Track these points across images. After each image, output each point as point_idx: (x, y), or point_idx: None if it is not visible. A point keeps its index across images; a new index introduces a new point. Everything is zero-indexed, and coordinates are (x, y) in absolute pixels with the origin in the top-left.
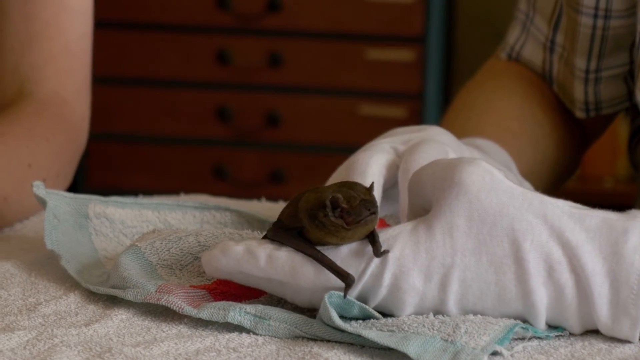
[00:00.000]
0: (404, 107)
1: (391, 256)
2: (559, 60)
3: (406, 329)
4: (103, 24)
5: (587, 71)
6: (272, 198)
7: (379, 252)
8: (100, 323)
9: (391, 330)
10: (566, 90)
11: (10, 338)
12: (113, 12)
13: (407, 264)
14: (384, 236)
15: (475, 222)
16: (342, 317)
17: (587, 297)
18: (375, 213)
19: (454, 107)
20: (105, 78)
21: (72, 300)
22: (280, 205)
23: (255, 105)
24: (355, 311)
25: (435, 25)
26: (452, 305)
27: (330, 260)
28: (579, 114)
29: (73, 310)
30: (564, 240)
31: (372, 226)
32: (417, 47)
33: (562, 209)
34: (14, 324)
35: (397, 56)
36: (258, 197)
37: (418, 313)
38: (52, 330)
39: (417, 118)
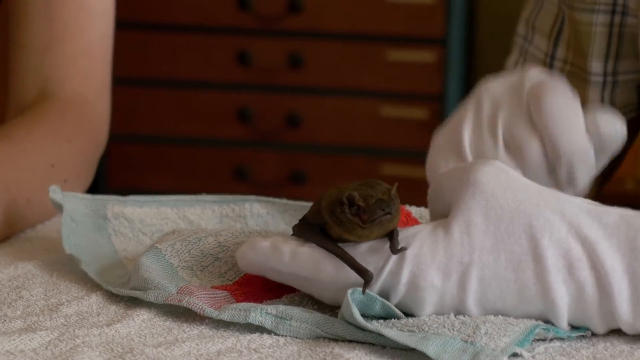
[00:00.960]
0: (424, 109)
1: (409, 253)
2: (560, 75)
3: (426, 329)
4: (124, 25)
5: (604, 74)
6: (293, 199)
7: (395, 249)
8: (121, 323)
9: (411, 331)
10: None
11: (33, 338)
12: (134, 13)
13: (424, 262)
14: (403, 234)
15: (493, 220)
16: (364, 315)
17: (607, 294)
18: (390, 213)
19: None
20: (126, 79)
21: (94, 301)
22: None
23: (275, 106)
24: (377, 308)
25: (457, 26)
26: (471, 303)
27: (350, 256)
28: None
29: (95, 311)
30: (583, 237)
31: (389, 226)
32: (438, 48)
33: (580, 206)
34: (36, 325)
35: (418, 57)
36: (279, 198)
37: (438, 312)
38: (74, 330)
39: (437, 119)
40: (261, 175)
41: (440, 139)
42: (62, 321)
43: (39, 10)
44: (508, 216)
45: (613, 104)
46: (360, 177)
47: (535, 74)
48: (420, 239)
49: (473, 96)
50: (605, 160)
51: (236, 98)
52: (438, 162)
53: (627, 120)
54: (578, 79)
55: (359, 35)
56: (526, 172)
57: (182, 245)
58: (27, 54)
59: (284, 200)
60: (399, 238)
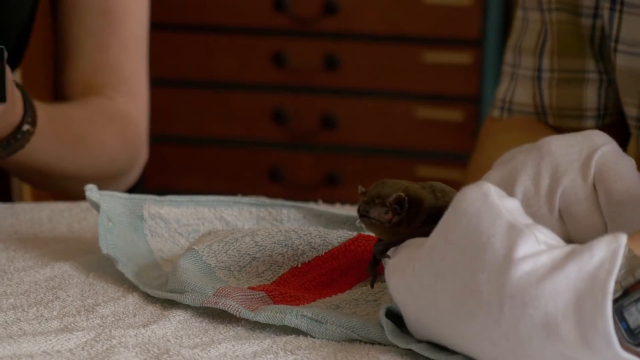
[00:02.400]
0: (460, 110)
1: (389, 262)
2: (548, 85)
3: None
4: (160, 26)
5: (599, 72)
6: (328, 201)
7: (380, 254)
8: (158, 324)
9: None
10: (568, 109)
11: (69, 339)
12: (170, 15)
13: (394, 274)
14: (407, 243)
15: (451, 246)
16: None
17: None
18: (364, 215)
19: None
20: (161, 80)
21: (130, 302)
22: (337, 208)
23: (311, 108)
24: None
25: (493, 27)
26: (414, 319)
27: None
28: (591, 123)
29: (131, 312)
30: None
31: (373, 227)
32: (475, 50)
33: (538, 240)
34: (73, 325)
35: (455, 59)
36: (314, 200)
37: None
38: (110, 331)
39: (474, 121)
40: (296, 177)
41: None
42: (99, 322)
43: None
44: (463, 244)
45: (607, 102)
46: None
47: (599, 144)
48: (404, 252)
49: (535, 150)
50: None
51: (271, 99)
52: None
53: (615, 122)
54: (571, 83)
55: (395, 36)
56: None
57: (219, 246)
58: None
59: (322, 208)
60: (403, 245)
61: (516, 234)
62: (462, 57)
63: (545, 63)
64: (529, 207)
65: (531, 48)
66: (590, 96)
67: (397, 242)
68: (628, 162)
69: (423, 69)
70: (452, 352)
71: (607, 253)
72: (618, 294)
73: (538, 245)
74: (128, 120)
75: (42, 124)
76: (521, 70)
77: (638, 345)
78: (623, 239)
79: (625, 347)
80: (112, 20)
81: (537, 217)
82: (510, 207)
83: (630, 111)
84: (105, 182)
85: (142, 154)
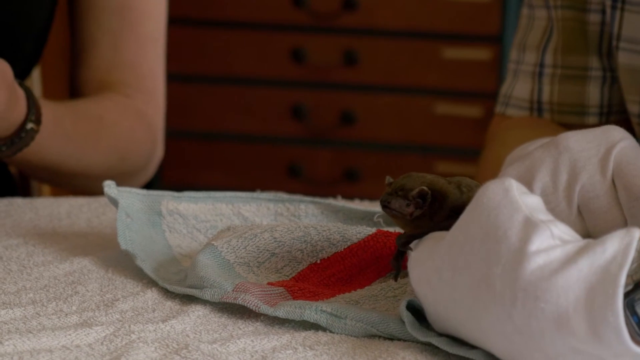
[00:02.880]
0: (479, 107)
1: (411, 255)
2: (550, 81)
3: None
4: (180, 22)
5: (603, 69)
6: (347, 196)
7: (402, 246)
8: (177, 319)
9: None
10: (570, 105)
11: (88, 333)
12: (190, 10)
13: (415, 267)
14: (429, 236)
15: (469, 239)
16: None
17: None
18: (385, 206)
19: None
20: (181, 75)
21: (150, 297)
22: (355, 203)
23: (330, 104)
24: None
25: (512, 24)
26: (434, 313)
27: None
28: (593, 120)
29: (150, 307)
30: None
31: (395, 218)
32: (494, 46)
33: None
34: (92, 320)
35: (474, 55)
36: (333, 196)
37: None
38: (130, 326)
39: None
40: (315, 173)
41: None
42: (118, 317)
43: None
44: (481, 237)
45: (611, 100)
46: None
47: (618, 139)
48: (424, 244)
49: (553, 146)
50: None
51: (290, 95)
52: (388, 180)
53: (622, 120)
54: (574, 80)
55: (414, 32)
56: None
57: (238, 241)
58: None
59: (340, 203)
60: (425, 238)
61: (531, 228)
62: (481, 53)
63: (548, 59)
64: (547, 204)
65: (535, 44)
66: (593, 93)
67: (419, 235)
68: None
69: (442, 65)
70: (472, 347)
71: (619, 247)
72: (629, 288)
73: (553, 240)
74: (142, 117)
75: (48, 121)
76: (524, 66)
77: None
78: (636, 233)
79: (636, 341)
80: (128, 19)
81: (556, 214)
82: (530, 202)
83: (632, 108)
84: (117, 179)
85: (156, 152)
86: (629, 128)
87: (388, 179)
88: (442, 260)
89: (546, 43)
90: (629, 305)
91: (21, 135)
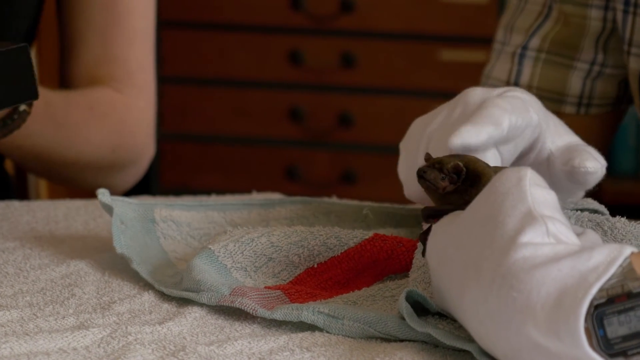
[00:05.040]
0: None
1: (432, 228)
2: (533, 64)
3: None
4: (177, 24)
5: (592, 63)
6: (344, 198)
7: (425, 218)
8: (174, 321)
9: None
10: (548, 91)
11: (85, 335)
12: (187, 13)
13: (431, 240)
14: (453, 214)
15: (475, 220)
16: (425, 310)
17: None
18: (421, 177)
19: None
20: (179, 78)
21: (146, 299)
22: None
23: (327, 106)
24: (434, 307)
25: None
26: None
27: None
28: (570, 109)
29: (147, 309)
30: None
31: (429, 191)
32: (491, 48)
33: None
34: (89, 322)
35: (471, 57)
36: (328, 197)
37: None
38: (126, 328)
39: None
40: (312, 175)
41: (414, 125)
42: (115, 319)
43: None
44: (483, 222)
45: (593, 92)
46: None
47: (515, 91)
48: (444, 220)
49: (454, 99)
50: (575, 193)
51: (288, 97)
52: (401, 149)
53: (603, 113)
54: (557, 67)
55: (411, 34)
56: None
57: (235, 246)
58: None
59: (332, 200)
60: (449, 215)
61: (528, 220)
62: (478, 56)
63: (534, 42)
64: (433, 150)
65: (524, 28)
66: (575, 82)
67: (445, 211)
68: (519, 101)
69: (439, 67)
70: (469, 340)
71: (605, 259)
72: (602, 301)
73: (547, 237)
74: (132, 111)
75: (39, 105)
76: (508, 47)
77: (612, 356)
78: (627, 250)
79: (597, 352)
80: (116, 14)
81: (438, 153)
82: (538, 195)
83: None
84: (108, 171)
85: (147, 147)
86: (612, 122)
87: (427, 154)
88: (451, 237)
89: (537, 28)
90: (597, 318)
91: (13, 117)
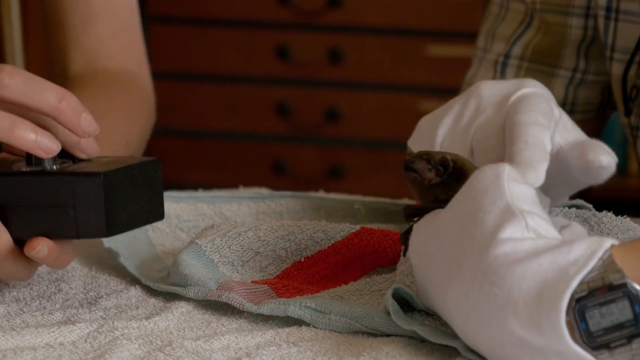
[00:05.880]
0: None
1: (414, 226)
2: (515, 73)
3: None
4: (165, 19)
5: (574, 70)
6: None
7: (407, 218)
8: (160, 316)
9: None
10: None
11: (72, 330)
12: (174, 8)
13: (413, 238)
14: (434, 212)
15: (454, 218)
16: (411, 307)
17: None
18: (408, 168)
19: None
20: (166, 73)
21: (133, 294)
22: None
23: (314, 101)
24: (420, 305)
25: None
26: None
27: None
28: None
29: (134, 304)
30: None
31: (414, 184)
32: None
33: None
34: (75, 317)
35: (459, 52)
36: (316, 191)
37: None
38: (113, 323)
39: None
40: (300, 170)
41: (422, 125)
42: (101, 314)
43: None
44: (461, 220)
45: (576, 99)
46: (400, 173)
47: (526, 86)
48: (426, 217)
49: (466, 93)
50: (585, 186)
51: (275, 93)
52: (410, 148)
53: (586, 120)
54: (540, 75)
55: (399, 30)
56: None
57: (222, 240)
58: (65, 30)
59: (321, 195)
60: (430, 212)
61: (508, 216)
62: (466, 51)
63: (516, 51)
64: (447, 147)
65: (506, 36)
66: (558, 90)
67: (426, 209)
68: (545, 102)
69: (427, 63)
70: (455, 337)
71: (585, 252)
72: (583, 294)
73: (527, 232)
74: (142, 94)
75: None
76: (490, 55)
77: (594, 349)
78: (607, 243)
79: (580, 345)
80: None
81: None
82: (516, 191)
83: (624, 119)
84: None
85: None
86: (595, 128)
87: (409, 149)
88: (432, 235)
89: (519, 36)
90: (579, 311)
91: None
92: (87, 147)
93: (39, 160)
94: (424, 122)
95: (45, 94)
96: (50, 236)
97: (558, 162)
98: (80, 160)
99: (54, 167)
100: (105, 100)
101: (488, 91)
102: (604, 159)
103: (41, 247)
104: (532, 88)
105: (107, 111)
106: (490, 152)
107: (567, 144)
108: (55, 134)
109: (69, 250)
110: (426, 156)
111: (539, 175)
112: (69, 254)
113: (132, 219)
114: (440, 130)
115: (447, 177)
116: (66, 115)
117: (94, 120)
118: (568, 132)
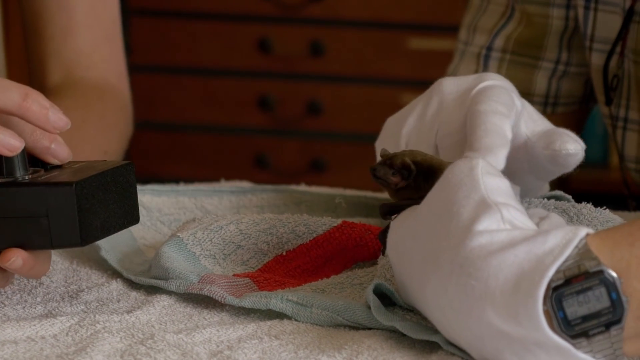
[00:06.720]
0: None
1: (391, 223)
2: (498, 65)
3: None
4: (145, 12)
5: (557, 62)
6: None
7: (383, 215)
8: (142, 310)
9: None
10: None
11: (53, 324)
12: (155, 1)
13: (391, 234)
14: (411, 208)
15: (430, 212)
16: (392, 303)
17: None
18: (372, 174)
19: None
20: (147, 66)
21: (114, 288)
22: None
23: (296, 94)
24: (401, 301)
25: None
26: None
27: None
28: (537, 109)
29: (115, 297)
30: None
31: (381, 187)
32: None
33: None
34: (57, 310)
35: (440, 45)
36: (297, 185)
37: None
38: (95, 316)
39: None
40: (282, 164)
41: (388, 124)
42: (83, 307)
43: (55, 0)
44: (437, 212)
45: (559, 92)
46: None
47: (490, 78)
48: (403, 214)
49: (428, 91)
50: (556, 175)
51: (257, 86)
52: (377, 147)
53: (570, 112)
54: (523, 67)
55: (380, 23)
56: None
57: (203, 233)
58: (45, 40)
59: (302, 188)
60: (407, 209)
61: (483, 208)
62: (447, 44)
63: (498, 43)
64: (414, 139)
65: (488, 28)
66: (540, 82)
67: (402, 206)
68: (505, 93)
69: (408, 55)
70: (435, 332)
71: (560, 241)
72: (560, 282)
73: (503, 224)
74: (119, 101)
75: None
76: (471, 47)
77: (573, 337)
78: (582, 232)
79: (558, 334)
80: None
81: (419, 148)
82: (491, 184)
83: (604, 109)
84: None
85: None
86: (578, 120)
87: (383, 150)
88: (409, 231)
89: (500, 28)
90: (556, 300)
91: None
92: (59, 152)
93: (10, 171)
94: (389, 123)
95: (9, 92)
96: (24, 247)
97: (526, 153)
98: (53, 167)
99: (26, 178)
100: (82, 110)
101: (449, 88)
102: (571, 147)
103: (15, 258)
104: (493, 81)
105: (84, 121)
106: (454, 148)
107: (534, 134)
108: (24, 140)
109: (45, 259)
110: (389, 161)
111: (498, 161)
112: (45, 263)
113: (107, 226)
114: (404, 130)
115: (414, 180)
116: (33, 112)
117: (63, 114)
118: (534, 122)
